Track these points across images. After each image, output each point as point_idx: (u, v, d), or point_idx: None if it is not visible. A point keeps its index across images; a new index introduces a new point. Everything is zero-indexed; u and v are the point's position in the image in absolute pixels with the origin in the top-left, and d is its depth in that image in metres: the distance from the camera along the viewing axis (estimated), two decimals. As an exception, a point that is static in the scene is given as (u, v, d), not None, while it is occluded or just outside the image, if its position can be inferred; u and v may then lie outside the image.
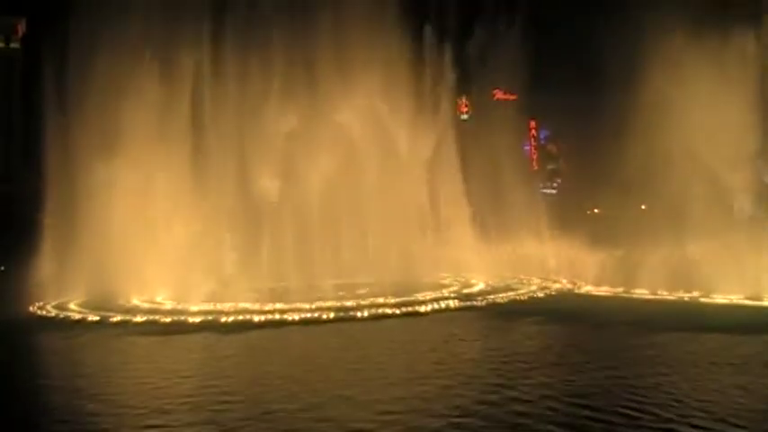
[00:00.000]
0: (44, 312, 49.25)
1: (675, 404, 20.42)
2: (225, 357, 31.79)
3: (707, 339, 31.20)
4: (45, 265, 56.27)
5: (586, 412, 19.69)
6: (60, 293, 54.34)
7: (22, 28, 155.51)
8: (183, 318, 43.63)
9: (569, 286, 55.81)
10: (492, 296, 50.72)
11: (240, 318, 42.82)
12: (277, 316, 43.01)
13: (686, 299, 45.70)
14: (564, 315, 41.53)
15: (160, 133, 57.28)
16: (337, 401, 22.02)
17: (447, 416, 19.92)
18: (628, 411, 19.70)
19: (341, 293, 51.09)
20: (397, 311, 44.09)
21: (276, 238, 55.22)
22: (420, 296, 49.26)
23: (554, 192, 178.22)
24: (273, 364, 29.92)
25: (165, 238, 54.67)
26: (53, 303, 51.80)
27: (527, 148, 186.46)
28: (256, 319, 42.40)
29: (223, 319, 42.53)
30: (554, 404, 20.71)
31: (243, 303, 47.13)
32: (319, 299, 47.71)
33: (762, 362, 26.29)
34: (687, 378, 23.85)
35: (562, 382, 23.62)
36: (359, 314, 43.12)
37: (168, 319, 43.35)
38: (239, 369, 28.72)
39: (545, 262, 64.00)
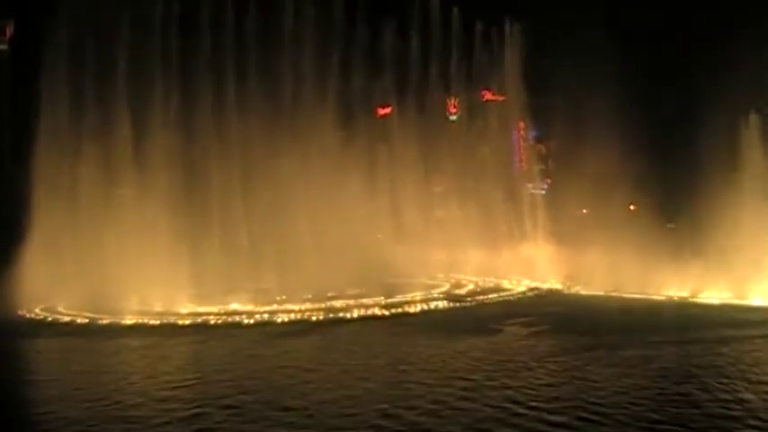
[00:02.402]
0: (33, 315, 49.11)
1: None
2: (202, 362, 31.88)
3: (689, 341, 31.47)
4: (34, 267, 55.94)
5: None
6: (50, 296, 53.98)
7: (9, 30, 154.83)
8: (172, 320, 43.61)
9: (559, 287, 55.91)
10: (481, 297, 50.84)
11: (230, 320, 42.83)
12: (266, 317, 43.10)
13: (675, 298, 45.91)
14: (551, 317, 41.51)
15: (149, 135, 57.21)
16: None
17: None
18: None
19: (331, 294, 51.02)
20: (387, 313, 44.16)
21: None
22: (410, 297, 49.37)
23: (543, 192, 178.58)
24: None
25: (152, 243, 54.52)
26: (42, 306, 51.54)
27: (515, 148, 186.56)
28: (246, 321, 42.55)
29: (212, 322, 42.55)
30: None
31: (231, 306, 47.17)
32: (309, 300, 47.86)
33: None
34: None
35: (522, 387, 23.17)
36: (348, 315, 43.17)
37: (157, 322, 43.34)
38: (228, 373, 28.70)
39: (535, 262, 64.02)
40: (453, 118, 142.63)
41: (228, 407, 21.51)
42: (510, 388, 22.73)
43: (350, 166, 60.85)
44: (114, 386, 25.29)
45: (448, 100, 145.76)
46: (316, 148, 59.48)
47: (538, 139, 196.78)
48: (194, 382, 25.80)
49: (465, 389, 22.91)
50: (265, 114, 57.31)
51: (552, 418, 19.35)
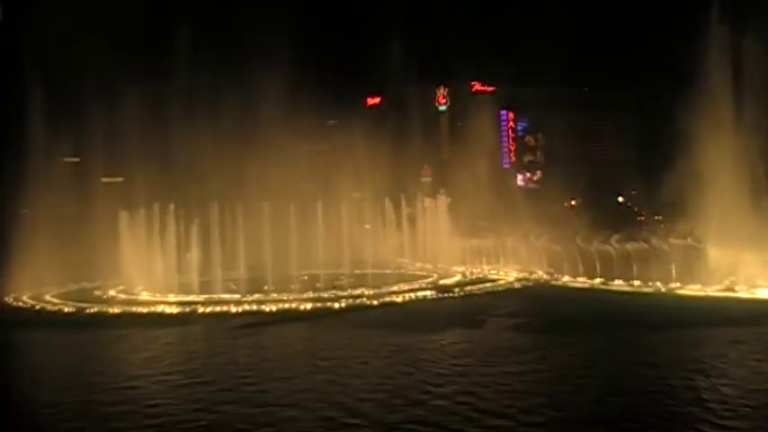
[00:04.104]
0: (20, 303, 49.04)
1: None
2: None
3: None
4: (22, 256, 55.89)
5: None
6: (37, 284, 53.88)
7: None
8: (160, 309, 43.62)
9: (546, 277, 55.88)
10: (469, 287, 50.86)
11: (217, 309, 42.82)
12: (255, 307, 43.14)
13: (663, 290, 45.81)
14: (534, 310, 41.41)
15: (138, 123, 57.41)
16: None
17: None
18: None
19: (318, 285, 51.03)
20: (375, 303, 44.22)
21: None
22: (397, 287, 49.45)
23: (529, 179, 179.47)
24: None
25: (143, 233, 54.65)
26: (29, 294, 51.46)
27: (504, 139, 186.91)
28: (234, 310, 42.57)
29: (200, 311, 42.56)
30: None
31: (217, 295, 47.20)
32: (299, 290, 47.93)
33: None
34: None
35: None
36: (336, 305, 43.20)
37: (144, 311, 43.32)
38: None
39: (522, 253, 63.94)
40: (442, 108, 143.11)
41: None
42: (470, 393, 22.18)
43: (337, 158, 61.06)
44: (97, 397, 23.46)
45: (437, 90, 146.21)
46: (304, 139, 59.72)
47: (527, 131, 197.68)
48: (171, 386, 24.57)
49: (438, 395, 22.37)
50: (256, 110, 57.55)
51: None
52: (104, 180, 62.33)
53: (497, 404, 20.43)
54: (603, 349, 28.66)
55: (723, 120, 48.49)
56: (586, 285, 50.89)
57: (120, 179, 61.07)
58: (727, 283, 43.61)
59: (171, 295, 48.23)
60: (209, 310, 42.77)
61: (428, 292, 48.14)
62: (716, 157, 48.20)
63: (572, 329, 33.33)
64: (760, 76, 48.01)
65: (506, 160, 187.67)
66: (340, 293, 46.90)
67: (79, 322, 41.18)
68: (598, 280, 50.87)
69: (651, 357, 26.55)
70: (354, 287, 49.09)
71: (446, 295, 47.89)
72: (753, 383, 22.07)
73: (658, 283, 46.39)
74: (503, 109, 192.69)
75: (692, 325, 33.20)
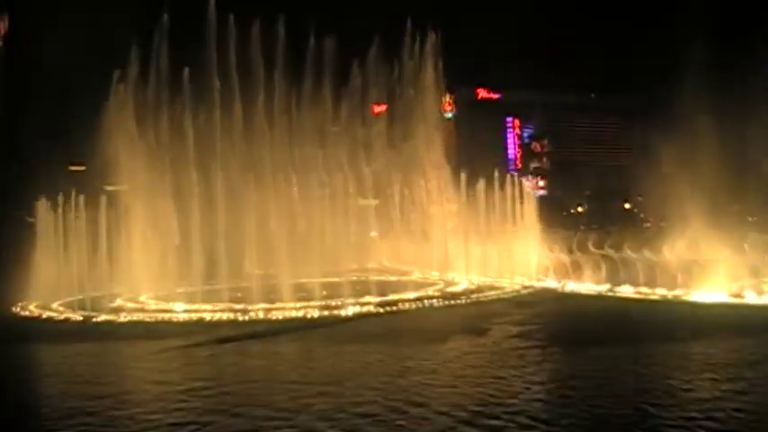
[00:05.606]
0: (27, 312, 48.96)
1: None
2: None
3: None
4: (30, 264, 55.90)
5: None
6: (44, 293, 53.81)
7: (4, 26, 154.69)
8: (167, 317, 43.65)
9: (554, 285, 55.77)
10: (475, 295, 50.81)
11: (224, 318, 42.80)
12: (261, 315, 43.14)
13: (670, 297, 45.65)
14: (540, 320, 41.33)
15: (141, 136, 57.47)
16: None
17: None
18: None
19: (325, 293, 50.95)
20: (381, 310, 44.21)
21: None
22: (404, 295, 49.42)
23: (535, 185, 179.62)
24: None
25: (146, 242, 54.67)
26: (36, 303, 51.38)
27: (510, 146, 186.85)
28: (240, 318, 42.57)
29: (208, 319, 42.57)
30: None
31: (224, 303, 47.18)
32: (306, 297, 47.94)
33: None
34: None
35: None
36: (343, 313, 43.22)
37: (151, 320, 43.31)
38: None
39: (530, 260, 63.78)
40: (449, 115, 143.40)
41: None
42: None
43: (343, 164, 61.10)
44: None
45: (443, 98, 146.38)
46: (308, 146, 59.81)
47: (533, 137, 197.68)
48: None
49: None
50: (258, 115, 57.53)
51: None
52: (108, 188, 62.26)
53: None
54: (606, 361, 28.36)
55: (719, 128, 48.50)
56: (593, 292, 50.81)
57: (125, 187, 61.03)
58: (734, 289, 43.51)
59: (178, 304, 48.24)
60: (215, 318, 42.80)
61: (435, 300, 48.15)
62: (714, 163, 48.18)
63: (575, 339, 33.29)
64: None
65: (512, 167, 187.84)
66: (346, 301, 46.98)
67: (86, 332, 41.11)
68: (605, 287, 50.80)
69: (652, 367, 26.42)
70: (360, 295, 49.08)
71: (453, 302, 47.90)
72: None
73: (665, 290, 46.30)
74: (508, 116, 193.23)
75: (704, 335, 32.68)
